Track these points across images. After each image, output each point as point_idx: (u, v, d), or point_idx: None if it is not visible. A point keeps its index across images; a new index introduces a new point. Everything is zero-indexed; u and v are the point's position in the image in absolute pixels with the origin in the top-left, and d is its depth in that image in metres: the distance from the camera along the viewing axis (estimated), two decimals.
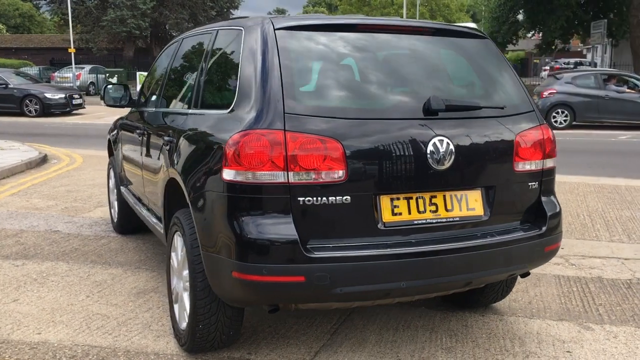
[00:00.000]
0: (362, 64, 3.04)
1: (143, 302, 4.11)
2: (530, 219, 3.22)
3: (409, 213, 2.88)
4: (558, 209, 3.29)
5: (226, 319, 3.16)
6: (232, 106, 2.99)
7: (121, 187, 5.50)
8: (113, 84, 5.25)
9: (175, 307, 3.53)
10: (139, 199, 4.72)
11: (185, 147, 3.25)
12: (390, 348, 3.44)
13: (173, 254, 3.54)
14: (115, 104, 5.15)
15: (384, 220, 2.84)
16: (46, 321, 3.79)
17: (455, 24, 3.42)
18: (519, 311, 4.00)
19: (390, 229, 2.84)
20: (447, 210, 2.96)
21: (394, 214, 2.85)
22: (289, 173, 2.70)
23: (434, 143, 2.87)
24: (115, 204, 5.86)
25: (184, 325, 3.34)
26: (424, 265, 2.84)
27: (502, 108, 3.14)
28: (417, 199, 2.90)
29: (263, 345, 3.47)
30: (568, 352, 3.42)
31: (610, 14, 30.06)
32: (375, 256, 2.76)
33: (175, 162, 3.33)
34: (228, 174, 2.78)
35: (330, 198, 2.74)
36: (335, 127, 2.77)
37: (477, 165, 3.02)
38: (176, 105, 4.02)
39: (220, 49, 3.48)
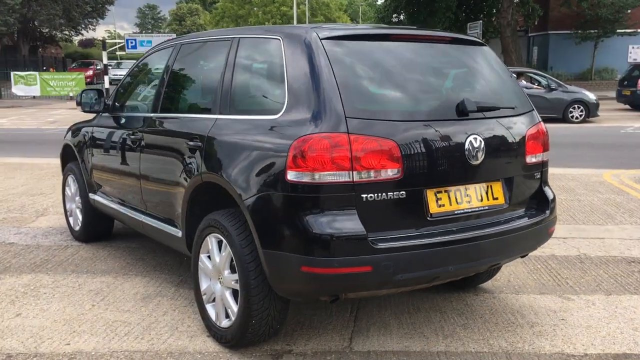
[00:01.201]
0: (400, 69, 3.34)
1: (155, 306, 4.15)
2: (534, 205, 3.67)
3: (450, 204, 3.22)
4: (554, 196, 3.77)
5: (276, 313, 3.34)
6: (281, 112, 3.16)
7: (90, 194, 5.40)
8: (88, 89, 5.14)
9: (209, 307, 3.64)
10: (130, 206, 4.70)
11: (229, 152, 3.36)
12: (413, 329, 3.77)
13: (203, 256, 3.64)
14: (91, 109, 5.06)
15: (430, 212, 3.15)
16: (67, 332, 3.74)
17: (462, 35, 3.78)
18: (505, 289, 4.47)
19: (436, 219, 3.17)
20: (478, 200, 3.33)
21: (438, 205, 3.18)
22: (353, 172, 2.94)
23: (470, 141, 3.23)
24: (78, 212, 5.73)
25: (225, 323, 3.47)
26: (466, 250, 3.19)
27: (513, 108, 3.56)
28: (455, 191, 3.25)
29: (297, 336, 3.67)
30: (562, 319, 3.92)
31: (481, 15, 32.33)
32: (428, 244, 3.07)
33: (215, 166, 3.44)
34: (293, 175, 2.97)
35: (388, 194, 3.02)
36: (389, 128, 3.04)
37: (500, 160, 3.41)
38: (191, 111, 4.07)
39: (250, 56, 3.62)
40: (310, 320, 3.89)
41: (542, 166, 3.70)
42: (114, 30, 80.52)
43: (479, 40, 3.81)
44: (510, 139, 3.47)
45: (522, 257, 3.87)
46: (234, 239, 3.29)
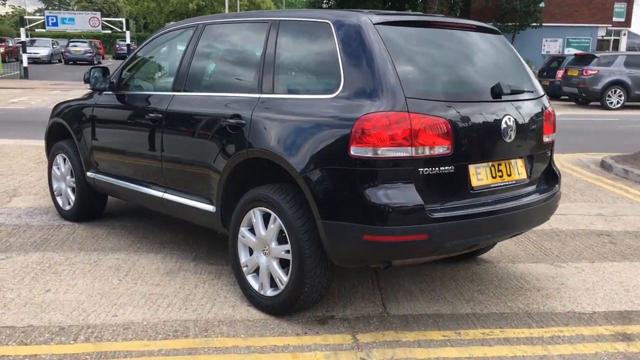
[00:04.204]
0: (443, 54, 3.64)
1: (182, 280, 4.27)
2: (545, 180, 4.07)
3: (487, 178, 3.56)
4: (560, 173, 4.19)
5: (325, 281, 3.57)
6: (337, 91, 3.38)
7: (88, 173, 5.38)
8: (96, 66, 5.11)
9: (250, 278, 3.83)
10: (146, 183, 4.74)
11: (282, 129, 3.54)
12: (436, 295, 4.10)
13: (245, 230, 3.80)
14: (97, 86, 5.05)
15: (472, 185, 3.48)
16: (108, 305, 3.82)
17: (484, 24, 4.10)
18: (502, 259, 4.89)
19: (477, 192, 3.50)
20: (508, 175, 3.68)
21: (478, 179, 3.51)
22: (412, 148, 3.21)
23: (505, 120, 3.57)
24: (69, 191, 5.69)
25: (271, 292, 3.67)
26: (502, 220, 3.55)
27: (532, 92, 3.94)
28: (491, 166, 3.59)
29: (332, 304, 3.91)
30: (562, 284, 4.37)
31: (407, 4, 33.18)
32: (472, 214, 3.40)
33: (264, 142, 3.60)
34: (356, 151, 3.20)
35: (440, 168, 3.31)
36: (441, 108, 3.33)
37: (525, 138, 3.78)
38: (226, 90, 4.18)
39: (294, 39, 3.80)
40: (338, 290, 4.14)
41: (552, 145, 4.10)
42: (19, 7, 76.45)
43: (497, 29, 4.16)
44: (532, 120, 3.84)
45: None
46: (287, 211, 3.48)
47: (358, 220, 3.23)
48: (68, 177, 5.71)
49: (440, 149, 3.30)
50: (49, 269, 4.41)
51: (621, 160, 9.11)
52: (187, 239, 5.21)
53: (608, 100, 19.11)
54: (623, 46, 39.21)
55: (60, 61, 41.39)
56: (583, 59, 20.28)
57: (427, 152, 3.25)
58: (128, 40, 31.49)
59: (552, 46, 36.82)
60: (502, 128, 3.56)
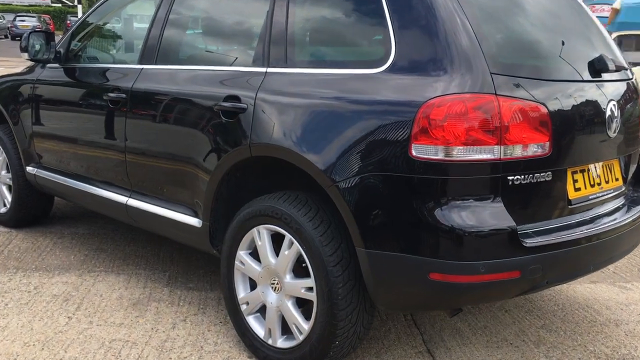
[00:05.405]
0: (531, 15, 2.62)
1: (155, 316, 3.19)
2: (632, 185, 3.12)
3: (585, 187, 2.58)
4: None
5: (362, 330, 2.56)
6: (386, 64, 2.35)
7: (28, 168, 4.22)
8: (36, 31, 3.92)
9: (251, 320, 2.79)
10: (102, 183, 3.63)
11: (302, 117, 2.49)
12: (491, 334, 3.14)
13: (244, 254, 2.76)
14: (38, 57, 3.90)
15: (569, 197, 2.50)
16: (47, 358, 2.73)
17: None
18: None
19: (575, 207, 2.52)
20: (606, 182, 2.72)
21: (575, 189, 2.53)
22: (501, 148, 2.20)
23: (610, 108, 2.60)
24: (4, 190, 4.53)
25: (283, 342, 2.65)
26: (604, 245, 2.57)
27: (626, 70, 2.96)
28: (589, 171, 2.61)
29: (361, 349, 2.90)
30: None
31: None
32: (574, 240, 2.41)
33: (275, 136, 2.55)
34: (420, 151, 2.18)
35: (535, 175, 2.32)
36: (537, 90, 2.34)
37: (625, 132, 2.81)
38: (215, 63, 3.10)
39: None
40: None
41: None
42: None
43: None
44: (632, 108, 2.88)
45: None
46: (309, 233, 2.45)
47: (421, 251, 2.22)
48: (3, 172, 4.54)
49: (536, 148, 2.30)
50: None
51: None
52: (158, 252, 4.12)
53: None
54: None
55: (6, 37, 38.95)
56: None
57: (519, 152, 2.25)
58: (80, 15, 29.59)
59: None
60: (606, 117, 2.59)
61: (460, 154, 2.17)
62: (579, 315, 3.40)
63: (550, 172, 2.36)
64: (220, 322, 3.14)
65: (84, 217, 4.87)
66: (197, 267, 3.87)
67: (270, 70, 2.71)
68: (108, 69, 3.64)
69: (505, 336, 3.12)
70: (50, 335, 2.95)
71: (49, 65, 4.04)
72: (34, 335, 2.94)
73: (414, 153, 2.19)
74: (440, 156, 2.17)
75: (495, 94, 2.20)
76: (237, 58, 3.01)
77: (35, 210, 4.56)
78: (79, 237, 4.41)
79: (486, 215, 2.20)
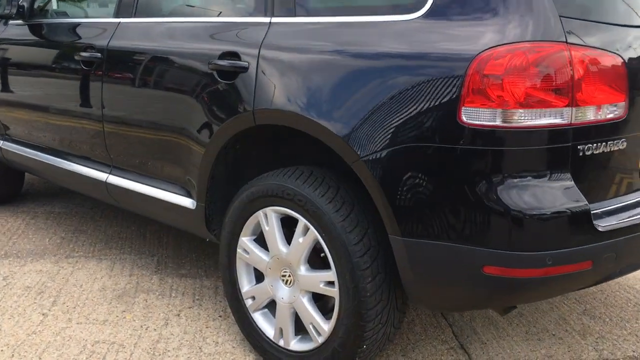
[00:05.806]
0: None
1: (143, 311, 2.77)
2: None
3: None
4: None
5: (392, 330, 2.16)
6: (424, 8, 1.89)
7: None
8: None
9: (258, 317, 2.38)
10: (77, 157, 3.17)
11: (319, 76, 2.03)
12: (529, 325, 2.76)
13: (247, 241, 2.33)
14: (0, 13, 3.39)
15: (639, 168, 2.09)
16: None
17: None
18: None
19: None
20: None
21: None
22: (572, 110, 1.77)
23: None
24: None
25: (298, 344, 2.25)
26: None
27: None
28: None
29: (388, 350, 2.51)
30: None
31: None
32: None
33: (286, 99, 2.09)
34: (472, 115, 1.75)
35: (608, 143, 1.90)
36: (612, 38, 1.90)
37: None
38: (204, 14, 2.62)
39: None
40: None
41: None
42: None
43: None
44: None
45: None
46: (330, 217, 2.02)
47: (473, 240, 1.79)
48: None
49: (612, 110, 1.87)
50: None
51: None
52: (144, 233, 3.69)
53: None
54: None
55: None
56: None
57: (592, 115, 1.83)
58: None
59: None
60: None
61: (523, 118, 1.74)
62: (621, 298, 3.03)
63: (624, 139, 1.94)
64: (220, 316, 2.72)
65: (60, 194, 4.40)
66: (189, 249, 3.44)
67: (275, 20, 2.24)
68: (79, 24, 3.14)
69: (545, 325, 2.74)
70: (21, 338, 2.52)
71: (11, 21, 3.53)
72: (2, 339, 2.51)
73: (464, 118, 1.75)
74: (498, 122, 1.74)
75: (567, 42, 1.75)
76: (233, 6, 2.53)
77: (4, 189, 4.09)
78: (55, 217, 3.95)
79: (554, 194, 1.78)
